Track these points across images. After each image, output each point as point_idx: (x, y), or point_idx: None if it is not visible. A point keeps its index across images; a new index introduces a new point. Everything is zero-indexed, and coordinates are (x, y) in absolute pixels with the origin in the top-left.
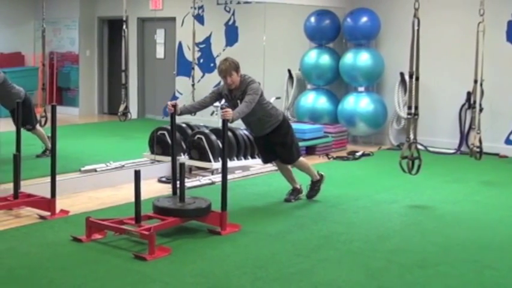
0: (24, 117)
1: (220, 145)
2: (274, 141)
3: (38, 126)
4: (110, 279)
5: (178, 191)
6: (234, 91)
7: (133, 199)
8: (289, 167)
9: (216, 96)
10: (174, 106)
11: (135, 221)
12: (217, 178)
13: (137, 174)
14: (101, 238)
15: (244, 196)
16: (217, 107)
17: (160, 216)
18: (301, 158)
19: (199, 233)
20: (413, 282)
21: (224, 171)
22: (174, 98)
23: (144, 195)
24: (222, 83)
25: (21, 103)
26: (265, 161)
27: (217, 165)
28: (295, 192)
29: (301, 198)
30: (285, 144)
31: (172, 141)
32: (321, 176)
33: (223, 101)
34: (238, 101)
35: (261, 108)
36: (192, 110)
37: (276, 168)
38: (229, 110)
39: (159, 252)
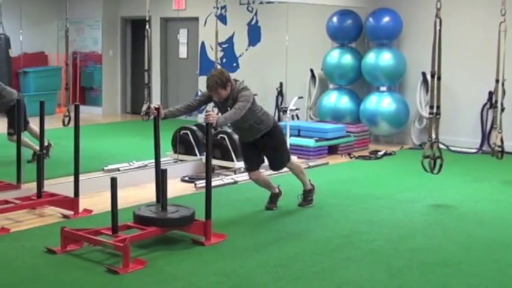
0: (11, 120)
1: None
2: (266, 144)
3: (30, 128)
4: (133, 278)
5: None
6: (225, 99)
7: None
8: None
9: (206, 99)
10: (157, 109)
11: (112, 231)
12: (240, 177)
13: (113, 181)
14: (77, 249)
15: (266, 195)
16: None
17: (140, 225)
18: (295, 162)
19: (223, 231)
20: (435, 281)
21: (208, 175)
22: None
23: (167, 194)
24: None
25: (13, 105)
26: (250, 168)
27: (240, 164)
28: (274, 197)
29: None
30: (277, 148)
31: (156, 145)
32: (313, 186)
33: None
34: (229, 108)
35: (252, 115)
36: (178, 114)
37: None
38: (213, 113)
39: (135, 265)
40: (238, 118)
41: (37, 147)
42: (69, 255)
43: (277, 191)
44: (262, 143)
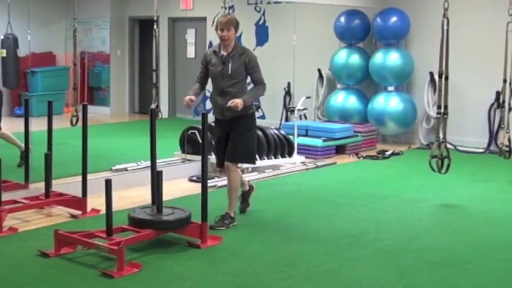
0: None
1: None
2: (234, 132)
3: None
4: (141, 278)
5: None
6: (224, 49)
7: (165, 197)
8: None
9: (206, 65)
10: (192, 100)
11: (107, 234)
12: (249, 177)
13: (108, 184)
14: (71, 252)
15: (273, 195)
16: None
17: (135, 228)
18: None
19: (231, 231)
20: (443, 281)
21: (204, 178)
22: (205, 97)
23: (175, 194)
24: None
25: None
26: (220, 163)
27: (246, 164)
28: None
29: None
30: (239, 139)
31: (152, 146)
32: (251, 187)
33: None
34: (230, 64)
35: (242, 84)
36: (199, 93)
37: (306, 167)
38: (235, 99)
39: (129, 268)
40: (264, 93)
41: (23, 146)
42: (63, 259)
43: (247, 188)
44: (234, 128)
